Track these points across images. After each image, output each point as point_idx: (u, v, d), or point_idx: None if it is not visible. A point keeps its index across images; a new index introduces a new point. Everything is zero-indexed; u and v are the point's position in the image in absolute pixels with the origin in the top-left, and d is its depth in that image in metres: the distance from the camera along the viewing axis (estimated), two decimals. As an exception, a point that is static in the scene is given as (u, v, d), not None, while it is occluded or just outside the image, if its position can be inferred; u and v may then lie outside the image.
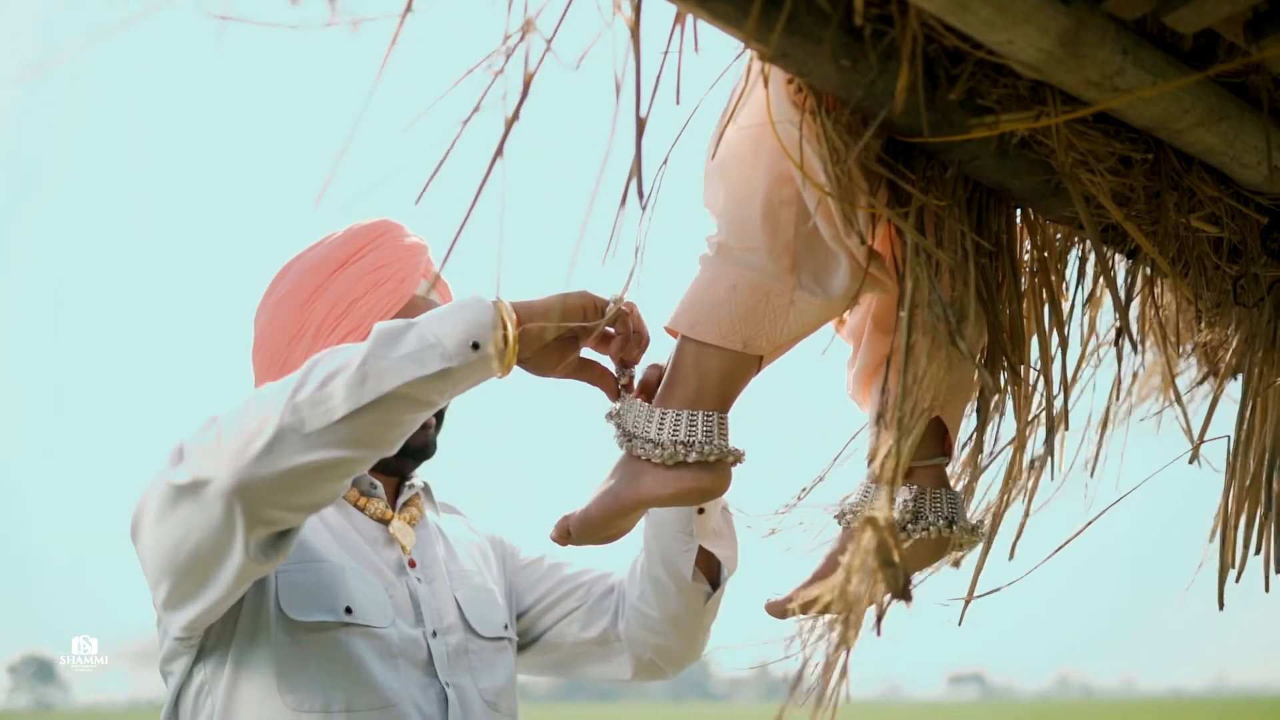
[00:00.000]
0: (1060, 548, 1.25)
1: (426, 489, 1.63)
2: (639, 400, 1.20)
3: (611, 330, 1.25)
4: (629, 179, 0.93)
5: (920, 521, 1.15)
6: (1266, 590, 1.33)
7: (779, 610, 1.22)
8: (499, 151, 0.83)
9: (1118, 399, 1.42)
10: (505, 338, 1.15)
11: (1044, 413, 1.22)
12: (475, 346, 1.14)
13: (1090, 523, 1.27)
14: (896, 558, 0.82)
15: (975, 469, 1.29)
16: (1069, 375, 1.23)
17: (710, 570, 1.54)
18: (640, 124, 0.91)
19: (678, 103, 0.97)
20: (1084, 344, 1.35)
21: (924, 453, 1.18)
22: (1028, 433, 1.24)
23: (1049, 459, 1.23)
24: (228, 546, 1.21)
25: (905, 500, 1.16)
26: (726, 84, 1.08)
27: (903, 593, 0.82)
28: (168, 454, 1.25)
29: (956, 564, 1.23)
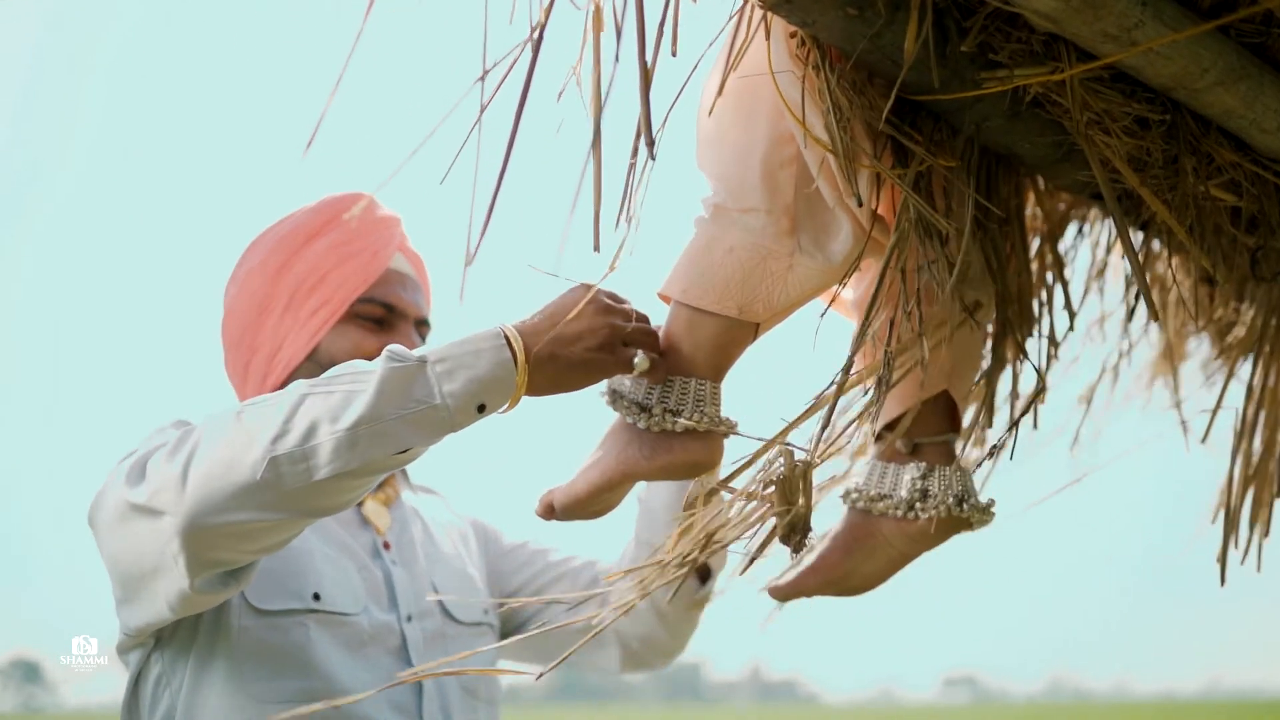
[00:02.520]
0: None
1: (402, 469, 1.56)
2: None
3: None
4: (637, 136, 0.89)
5: (929, 500, 1.09)
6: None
7: (780, 593, 1.17)
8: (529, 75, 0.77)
9: (1116, 380, 1.38)
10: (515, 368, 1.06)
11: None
12: (480, 409, 1.07)
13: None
14: (800, 501, 0.75)
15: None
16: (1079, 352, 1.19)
17: (699, 566, 1.49)
18: (647, 75, 0.87)
19: (674, 54, 0.92)
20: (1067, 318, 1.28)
21: (932, 428, 1.13)
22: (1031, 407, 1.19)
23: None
24: (177, 578, 1.16)
25: (913, 479, 1.11)
26: (725, 37, 1.02)
27: (790, 539, 0.75)
28: (132, 459, 1.19)
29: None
